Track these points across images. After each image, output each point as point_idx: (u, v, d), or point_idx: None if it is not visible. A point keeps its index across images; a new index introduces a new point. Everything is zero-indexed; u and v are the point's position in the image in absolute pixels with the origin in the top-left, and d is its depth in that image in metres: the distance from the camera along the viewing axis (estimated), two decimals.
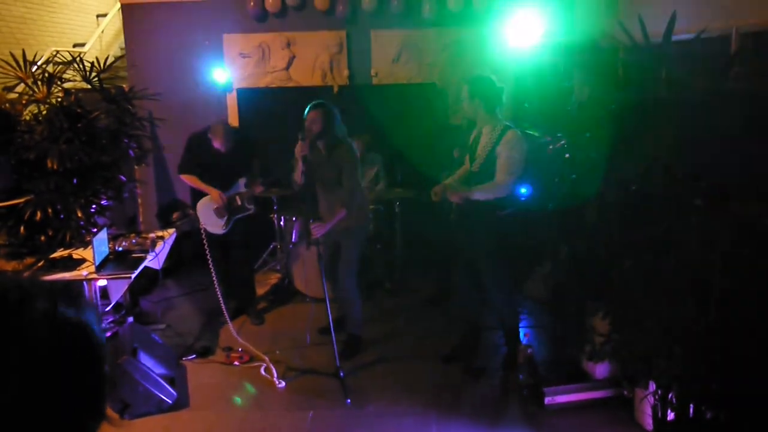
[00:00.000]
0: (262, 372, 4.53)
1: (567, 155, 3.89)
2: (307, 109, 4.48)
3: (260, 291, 5.94)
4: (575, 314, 3.99)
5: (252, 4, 6.81)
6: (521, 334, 4.59)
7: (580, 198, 3.46)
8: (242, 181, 5.23)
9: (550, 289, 5.16)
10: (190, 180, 5.20)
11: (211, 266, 5.13)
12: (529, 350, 4.25)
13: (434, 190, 4.32)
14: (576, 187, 3.41)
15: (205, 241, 5.16)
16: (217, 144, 5.07)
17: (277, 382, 4.37)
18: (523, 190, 4.30)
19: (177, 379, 4.31)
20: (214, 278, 5.14)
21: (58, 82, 5.00)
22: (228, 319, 5.12)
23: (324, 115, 4.43)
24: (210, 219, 5.17)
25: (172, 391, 4.06)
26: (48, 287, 0.86)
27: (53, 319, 0.82)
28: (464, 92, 4.24)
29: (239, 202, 5.19)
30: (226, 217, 5.18)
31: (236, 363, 4.67)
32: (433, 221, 5.43)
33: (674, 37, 2.98)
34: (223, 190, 5.16)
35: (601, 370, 4.15)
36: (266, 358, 4.68)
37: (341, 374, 4.32)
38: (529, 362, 4.21)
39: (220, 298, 5.12)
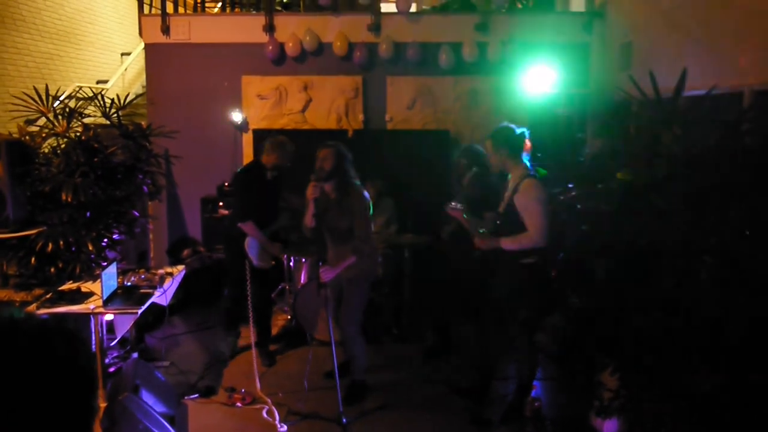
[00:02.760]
0: (264, 415, 4.47)
1: (578, 206, 3.89)
2: (319, 148, 4.51)
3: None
4: (584, 369, 3.91)
5: (271, 47, 6.96)
6: (531, 386, 4.51)
7: (590, 250, 3.44)
8: (285, 214, 5.30)
9: (558, 342, 5.08)
10: (251, 230, 5.05)
11: (249, 300, 5.10)
12: (536, 403, 4.18)
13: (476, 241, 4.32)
14: (586, 239, 3.39)
15: (249, 276, 5.10)
16: (283, 161, 5.10)
17: (278, 426, 4.30)
18: None
19: (177, 419, 4.24)
20: (250, 309, 5.11)
21: (79, 117, 5.10)
22: (253, 346, 5.15)
23: (336, 154, 4.43)
24: (261, 254, 5.15)
25: (172, 430, 4.00)
26: (38, 320, 0.88)
27: (41, 348, 0.84)
28: (488, 147, 4.26)
29: (282, 236, 5.23)
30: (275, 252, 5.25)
31: (238, 404, 4.61)
32: (445, 269, 5.40)
33: (685, 93, 3.00)
34: (268, 225, 5.19)
35: (609, 427, 4.05)
36: (269, 401, 4.62)
37: (344, 421, 4.25)
38: (536, 416, 4.13)
39: (251, 326, 5.14)
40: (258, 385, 4.84)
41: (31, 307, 4.23)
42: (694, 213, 2.53)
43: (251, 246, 5.12)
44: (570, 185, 4.31)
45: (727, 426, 2.32)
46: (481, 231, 4.23)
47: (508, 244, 4.08)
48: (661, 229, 2.62)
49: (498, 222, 4.23)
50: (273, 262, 5.25)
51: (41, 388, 0.83)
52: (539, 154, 6.27)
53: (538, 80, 6.74)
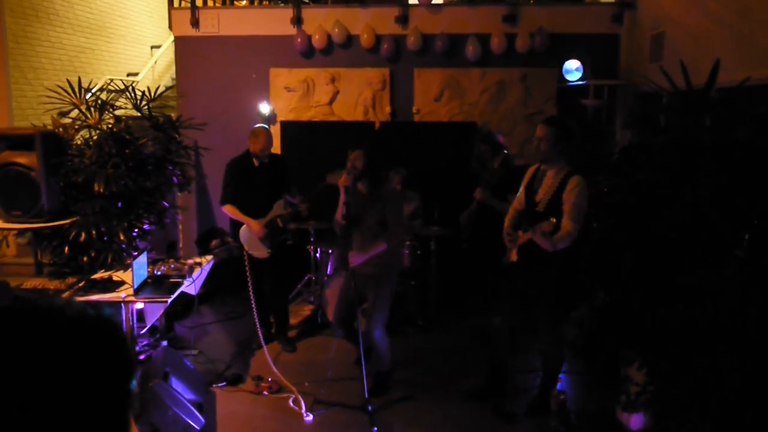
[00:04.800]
0: (291, 403, 4.52)
1: (606, 198, 3.86)
2: (350, 150, 4.57)
3: (293, 321, 5.96)
4: (609, 362, 3.88)
5: (299, 40, 6.99)
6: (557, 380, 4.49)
7: (618, 243, 3.41)
8: (280, 203, 5.33)
9: (584, 335, 5.04)
10: (231, 211, 5.26)
11: (250, 291, 5.19)
12: (562, 396, 4.16)
13: (510, 234, 4.29)
14: (613, 231, 3.37)
15: (248, 266, 5.23)
16: (258, 147, 5.20)
17: (305, 415, 4.35)
18: None
19: (206, 406, 4.31)
20: (252, 302, 5.19)
21: (110, 109, 5.19)
22: (263, 343, 5.16)
23: (367, 154, 4.53)
24: (254, 244, 5.25)
25: (200, 417, 4.07)
26: (78, 306, 0.91)
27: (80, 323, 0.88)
28: (548, 134, 4.06)
29: (281, 224, 5.27)
30: (269, 241, 5.26)
31: (265, 393, 4.67)
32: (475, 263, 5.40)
33: (718, 85, 2.95)
34: (264, 212, 5.26)
35: (635, 421, 4.02)
36: (295, 390, 4.67)
37: (369, 408, 4.28)
38: (561, 409, 4.11)
39: (257, 322, 5.17)
40: (275, 370, 4.92)
41: (65, 296, 4.33)
42: (724, 206, 2.49)
43: (242, 236, 5.23)
44: (598, 178, 4.27)
45: (753, 422, 2.29)
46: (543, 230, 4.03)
47: (562, 244, 3.87)
48: (690, 222, 2.58)
49: (552, 220, 4.01)
50: (269, 251, 5.28)
51: (81, 373, 0.85)
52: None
53: (567, 72, 6.67)
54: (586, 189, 3.95)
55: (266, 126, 5.48)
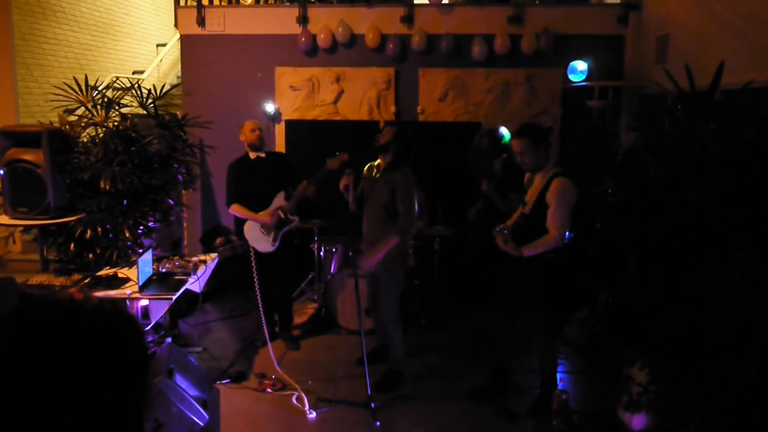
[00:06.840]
0: (294, 401, 4.54)
1: (610, 200, 3.87)
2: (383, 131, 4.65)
3: (297, 320, 5.99)
4: (612, 363, 3.90)
5: (304, 39, 7.01)
6: (557, 379, 4.51)
7: (622, 244, 3.42)
8: (281, 195, 5.34)
9: (587, 336, 5.06)
10: (238, 210, 5.29)
11: (256, 286, 5.22)
12: (564, 396, 4.17)
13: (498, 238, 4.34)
14: (617, 233, 3.38)
15: (253, 262, 5.25)
16: (243, 138, 5.30)
17: (308, 412, 4.37)
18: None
19: (210, 403, 4.34)
20: (258, 298, 5.21)
21: (116, 107, 5.21)
22: (268, 340, 5.18)
23: (395, 132, 4.56)
24: (259, 238, 5.28)
25: (204, 413, 4.09)
26: (96, 301, 0.93)
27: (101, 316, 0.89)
28: (524, 144, 4.16)
29: (283, 216, 5.30)
30: (273, 233, 5.28)
31: (269, 390, 4.69)
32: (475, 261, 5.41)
33: (723, 87, 2.96)
34: (265, 205, 5.29)
35: (637, 421, 4.03)
36: (298, 387, 4.69)
37: (372, 405, 4.30)
38: (563, 408, 4.12)
39: (263, 318, 5.20)
40: (277, 368, 4.95)
41: (75, 290, 4.35)
42: (728, 208, 2.50)
43: (247, 232, 5.27)
44: (603, 178, 4.28)
45: (757, 424, 2.30)
46: (504, 233, 4.16)
47: (530, 251, 4.06)
48: (695, 224, 2.59)
49: (522, 217, 4.19)
50: (274, 244, 5.31)
51: (102, 369, 0.87)
52: (571, 148, 6.23)
53: (572, 73, 6.68)
54: (570, 191, 4.01)
55: (255, 120, 5.53)
